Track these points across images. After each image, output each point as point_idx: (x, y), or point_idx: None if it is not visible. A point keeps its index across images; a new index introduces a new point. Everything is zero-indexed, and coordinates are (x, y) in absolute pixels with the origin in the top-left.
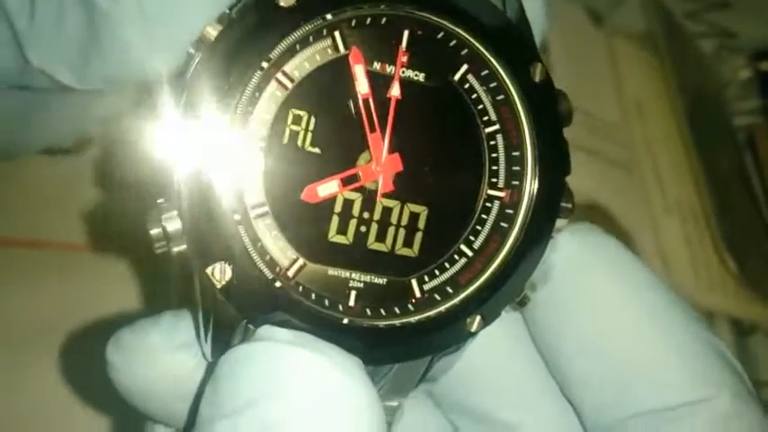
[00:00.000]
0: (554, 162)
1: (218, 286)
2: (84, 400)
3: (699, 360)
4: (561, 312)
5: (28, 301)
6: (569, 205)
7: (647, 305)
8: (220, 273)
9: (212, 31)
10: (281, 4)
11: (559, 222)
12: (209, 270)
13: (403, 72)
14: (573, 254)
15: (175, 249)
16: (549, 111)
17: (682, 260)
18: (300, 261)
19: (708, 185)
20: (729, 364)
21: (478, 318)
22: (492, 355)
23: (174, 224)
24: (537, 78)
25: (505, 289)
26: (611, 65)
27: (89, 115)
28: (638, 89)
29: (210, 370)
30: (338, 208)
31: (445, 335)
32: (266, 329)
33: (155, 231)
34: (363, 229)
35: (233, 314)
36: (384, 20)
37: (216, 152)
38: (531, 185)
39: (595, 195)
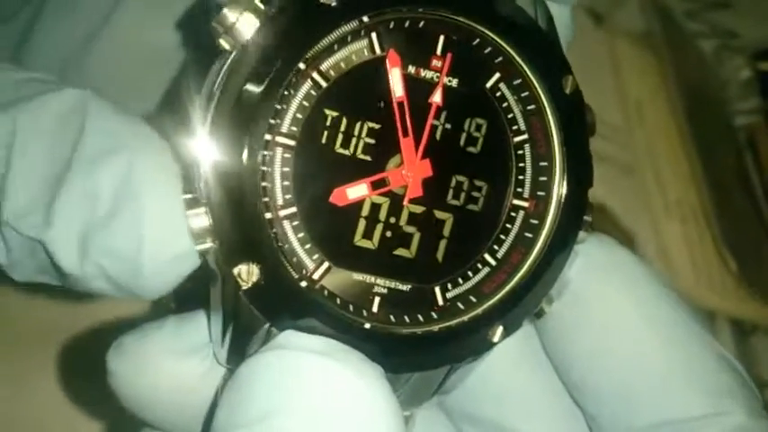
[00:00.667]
0: (580, 174)
1: (244, 287)
2: (82, 407)
3: (712, 374)
4: (574, 324)
5: (26, 305)
6: (589, 218)
7: (660, 319)
8: (247, 273)
9: (248, 28)
10: (323, 0)
11: (580, 235)
12: (235, 270)
13: (438, 76)
14: (586, 266)
15: (198, 248)
16: (578, 123)
17: (682, 260)
18: (326, 264)
19: (708, 185)
20: (741, 378)
21: (501, 328)
22: (502, 364)
23: (201, 221)
24: (568, 90)
25: (528, 299)
26: (611, 65)
27: None
28: (639, 89)
29: (227, 376)
30: (365, 212)
31: (467, 344)
32: (288, 335)
33: None
34: (389, 234)
35: (256, 317)
36: (422, 23)
37: (247, 149)
38: (558, 196)
39: (596, 195)
